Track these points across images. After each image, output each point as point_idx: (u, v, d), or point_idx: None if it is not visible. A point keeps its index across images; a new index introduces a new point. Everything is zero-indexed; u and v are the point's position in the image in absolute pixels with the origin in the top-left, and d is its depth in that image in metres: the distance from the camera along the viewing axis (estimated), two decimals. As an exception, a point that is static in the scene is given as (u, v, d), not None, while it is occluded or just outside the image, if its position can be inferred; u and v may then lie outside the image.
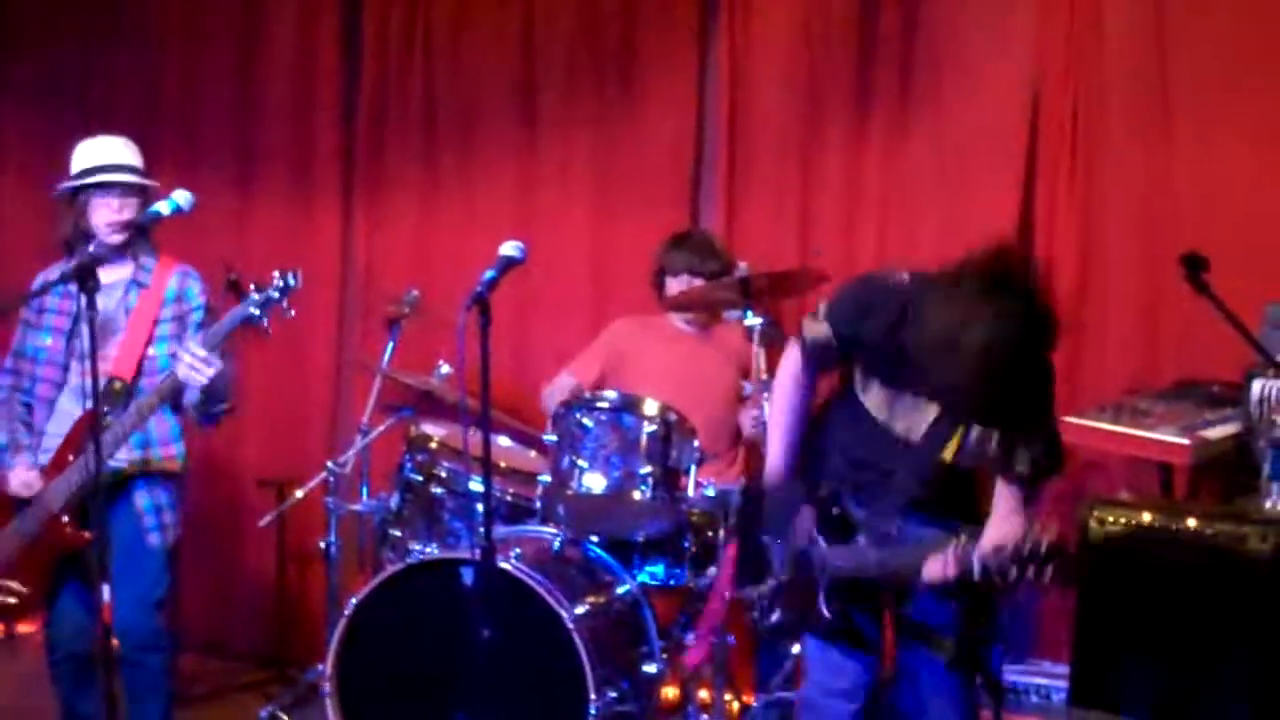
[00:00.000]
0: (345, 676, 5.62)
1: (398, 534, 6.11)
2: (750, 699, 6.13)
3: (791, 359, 4.73)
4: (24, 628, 7.51)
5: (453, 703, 5.29)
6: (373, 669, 5.60)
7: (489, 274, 4.60)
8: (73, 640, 5.54)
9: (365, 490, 6.53)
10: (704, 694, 5.90)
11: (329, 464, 6.44)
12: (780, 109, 6.77)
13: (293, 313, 5.25)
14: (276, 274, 5.25)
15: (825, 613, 4.45)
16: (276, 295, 5.21)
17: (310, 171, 7.73)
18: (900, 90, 6.53)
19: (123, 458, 5.38)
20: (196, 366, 5.18)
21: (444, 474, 6.08)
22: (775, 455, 4.75)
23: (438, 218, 7.51)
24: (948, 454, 4.35)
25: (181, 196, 5.08)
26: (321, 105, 7.71)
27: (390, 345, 6.57)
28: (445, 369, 6.29)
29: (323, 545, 6.46)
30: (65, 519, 5.41)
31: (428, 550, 5.85)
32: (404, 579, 5.58)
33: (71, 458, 5.41)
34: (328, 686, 5.62)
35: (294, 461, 7.33)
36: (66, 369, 5.56)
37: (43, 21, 8.16)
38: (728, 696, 5.87)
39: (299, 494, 6.58)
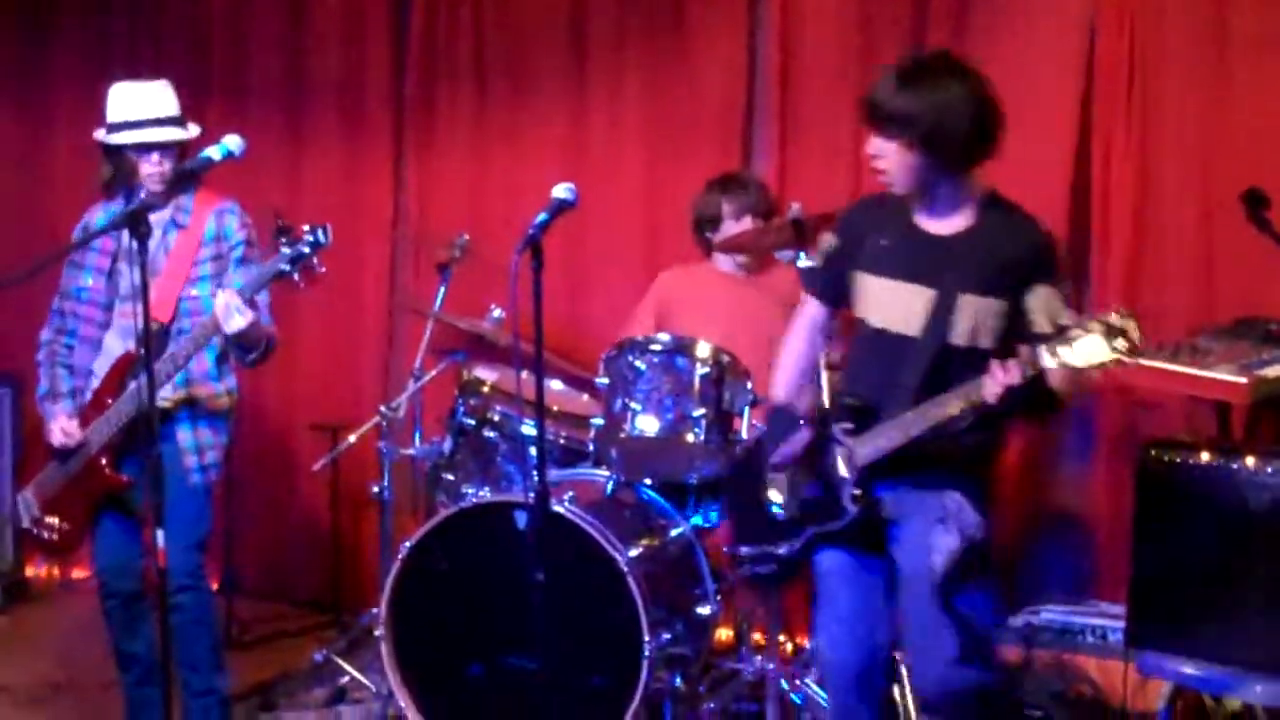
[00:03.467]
0: (399, 620, 5.62)
1: (451, 478, 6.11)
2: (804, 640, 6.12)
3: (803, 306, 4.95)
4: (78, 572, 7.59)
5: (506, 645, 5.31)
6: (426, 612, 5.60)
7: (541, 217, 4.58)
8: (117, 579, 5.56)
9: (418, 435, 6.52)
10: (757, 636, 5.90)
11: (381, 408, 6.43)
12: (833, 52, 6.72)
13: (323, 269, 5.19)
14: (306, 228, 5.16)
15: (849, 507, 4.50)
16: (307, 250, 5.13)
17: (362, 116, 7.73)
18: (955, 31, 6.46)
19: (165, 395, 5.37)
20: (225, 312, 5.17)
21: (496, 418, 6.08)
22: (779, 386, 4.93)
23: (489, 163, 7.49)
24: (953, 335, 4.45)
25: (232, 141, 5.04)
26: (372, 50, 7.70)
27: (442, 289, 6.54)
28: (497, 313, 6.27)
29: (376, 490, 6.45)
30: (104, 460, 5.43)
31: (481, 494, 5.83)
32: (457, 522, 5.57)
33: (109, 400, 5.42)
34: (382, 630, 5.63)
35: (347, 406, 7.36)
36: (109, 309, 5.57)
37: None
38: (781, 638, 5.87)
39: (351, 439, 6.58)
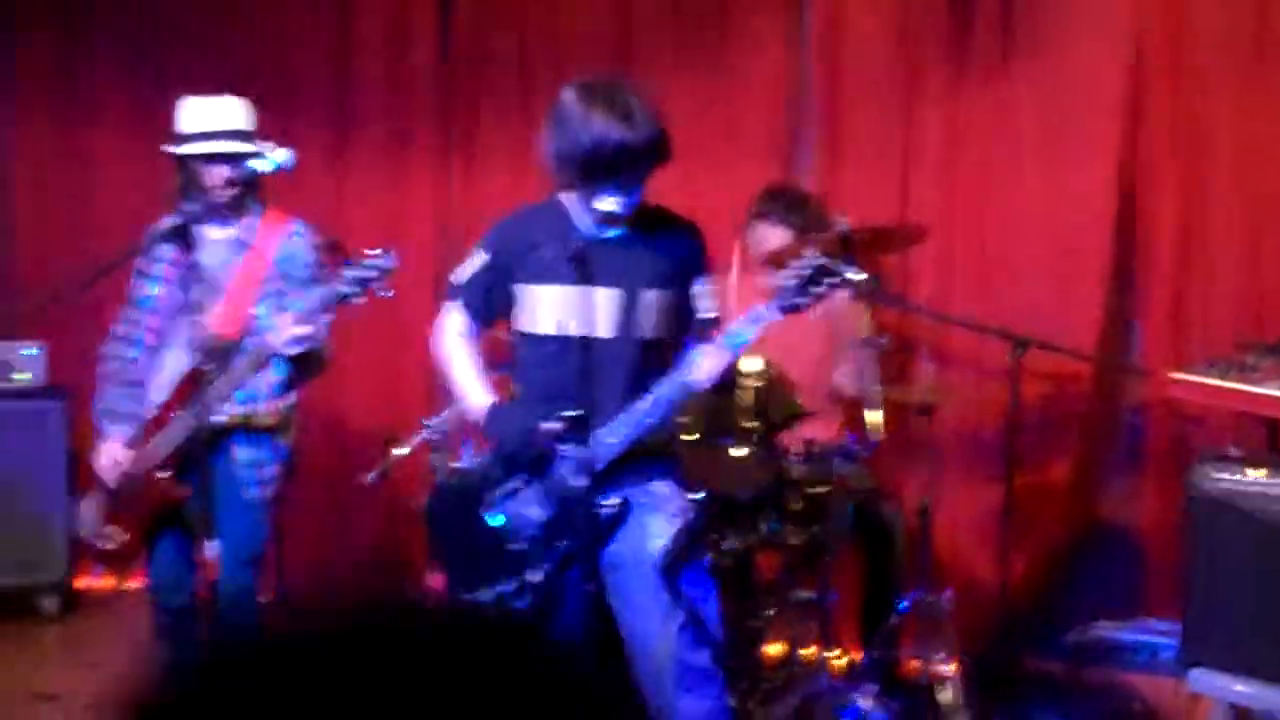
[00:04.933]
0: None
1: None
2: (857, 655, 6.10)
3: (447, 323, 4.99)
4: (133, 583, 7.61)
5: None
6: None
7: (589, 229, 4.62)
8: (170, 593, 5.60)
9: (468, 447, 6.53)
10: (809, 651, 5.89)
11: (425, 422, 6.44)
12: (878, 61, 6.72)
13: (390, 293, 5.19)
14: (371, 253, 5.14)
15: (603, 513, 4.56)
16: (374, 275, 5.13)
17: (408, 128, 7.76)
18: (1001, 39, 6.48)
19: (224, 411, 5.40)
20: (287, 339, 5.19)
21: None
22: (474, 393, 4.92)
23: (533, 175, 7.47)
24: (640, 330, 4.63)
25: (281, 154, 5.07)
26: (418, 62, 7.72)
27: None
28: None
29: (424, 503, 6.46)
30: (166, 473, 5.46)
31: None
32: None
33: (173, 414, 5.45)
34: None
35: (397, 419, 7.37)
36: (173, 319, 5.60)
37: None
38: (833, 653, 5.86)
39: (399, 453, 6.59)
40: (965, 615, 5.90)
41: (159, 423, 5.49)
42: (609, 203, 4.51)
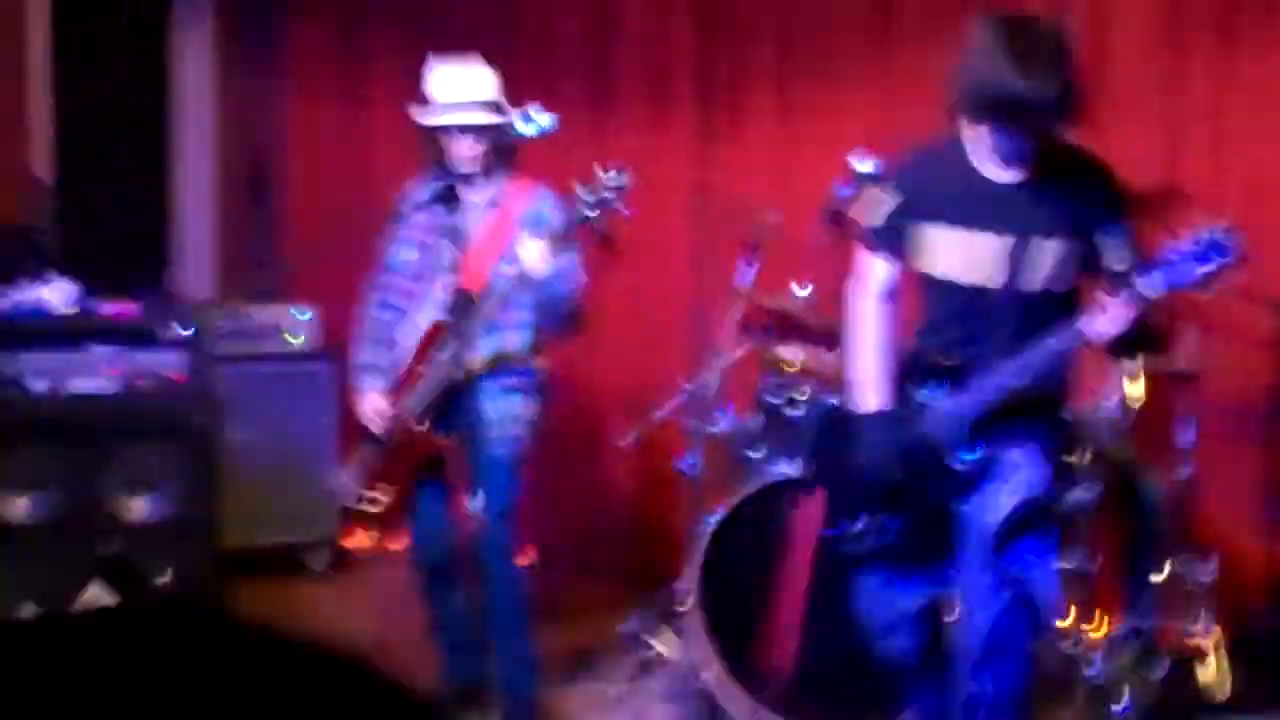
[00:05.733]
0: (707, 594, 5.68)
1: (756, 455, 6.14)
2: (1116, 624, 6.01)
3: (869, 278, 4.76)
4: (393, 545, 7.79)
5: (815, 617, 5.33)
6: (733, 585, 5.66)
7: (844, 190, 4.60)
8: (428, 550, 5.72)
9: (724, 413, 6.55)
10: (1067, 621, 5.81)
11: (686, 385, 6.48)
12: (1146, 20, 6.57)
13: (628, 212, 5.19)
14: (602, 171, 5.17)
15: (960, 467, 4.48)
16: (610, 195, 5.15)
17: (667, 93, 7.78)
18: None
19: (475, 355, 5.49)
20: (537, 255, 5.23)
21: (803, 396, 6.08)
22: (869, 382, 4.75)
23: (796, 140, 7.47)
24: (1035, 280, 4.39)
25: (544, 118, 5.13)
26: (677, 25, 7.74)
27: (749, 267, 6.55)
28: (803, 291, 6.27)
29: (683, 465, 6.50)
30: (423, 427, 5.56)
31: (785, 470, 5.85)
32: (762, 498, 5.62)
33: (422, 369, 5.56)
34: (690, 602, 5.69)
35: (655, 384, 7.40)
36: (424, 281, 5.70)
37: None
38: (1093, 623, 5.78)
39: (658, 415, 6.64)
40: (1229, 587, 5.77)
41: (408, 380, 5.60)
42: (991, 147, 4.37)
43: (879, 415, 4.71)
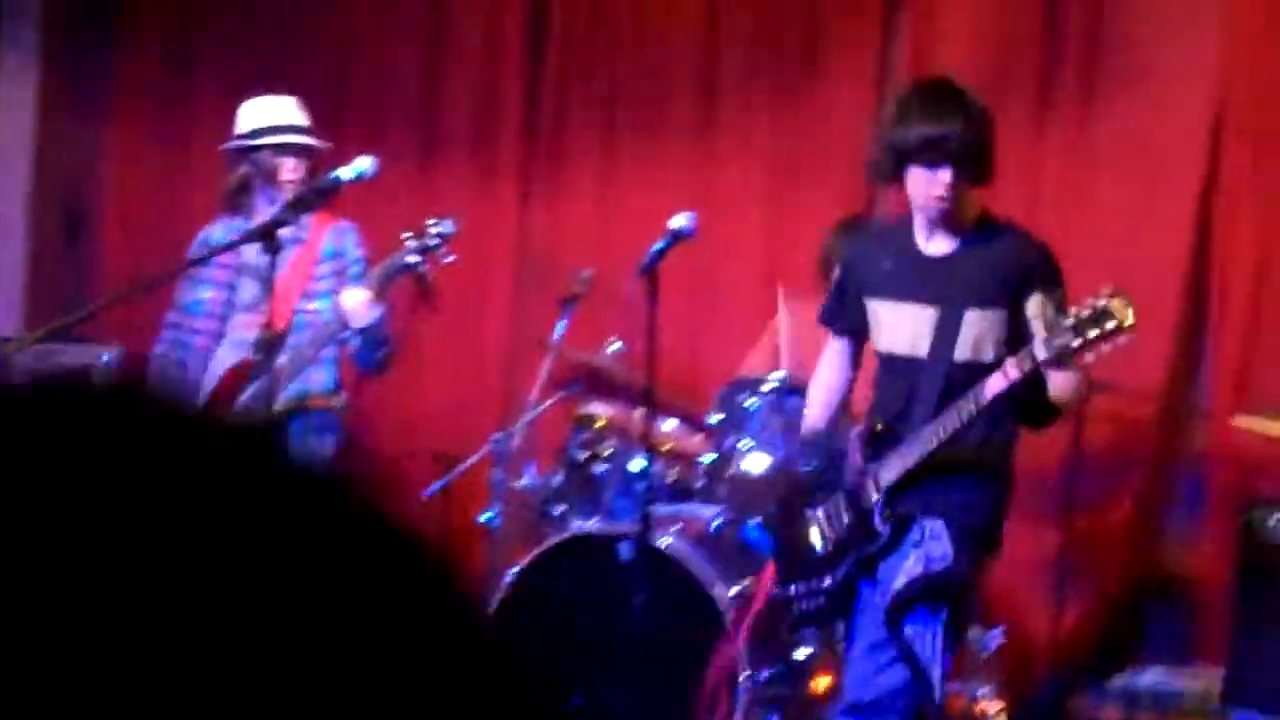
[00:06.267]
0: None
1: (559, 510, 6.15)
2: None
3: (826, 349, 4.99)
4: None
5: (605, 674, 5.33)
6: (527, 641, 5.64)
7: (658, 246, 4.66)
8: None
9: (531, 466, 6.56)
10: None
11: (494, 437, 6.49)
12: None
13: (452, 258, 5.25)
14: (431, 220, 5.26)
15: (882, 529, 4.52)
16: (434, 242, 5.22)
17: (493, 146, 7.78)
18: (1082, 90, 6.49)
19: (279, 400, 5.46)
20: (358, 306, 5.25)
21: (608, 452, 6.11)
22: (812, 417, 4.95)
23: (616, 198, 7.55)
24: (959, 350, 4.48)
25: (365, 163, 5.12)
26: (506, 81, 7.76)
27: (563, 322, 6.59)
28: (615, 346, 6.32)
29: (484, 518, 6.50)
30: None
31: (586, 525, 5.88)
32: (563, 552, 5.63)
33: (224, 407, 5.51)
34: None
35: (462, 435, 7.39)
36: (225, 320, 5.67)
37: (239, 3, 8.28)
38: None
39: (463, 466, 6.63)
40: (1015, 655, 5.87)
41: None
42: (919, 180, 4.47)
43: (809, 439, 4.93)
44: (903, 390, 4.58)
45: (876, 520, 4.54)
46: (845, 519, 4.65)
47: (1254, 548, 4.67)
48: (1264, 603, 4.62)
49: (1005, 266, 4.52)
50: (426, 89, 7.93)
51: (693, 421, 6.27)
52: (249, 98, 5.90)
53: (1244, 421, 5.24)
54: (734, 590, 5.38)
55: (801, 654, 5.63)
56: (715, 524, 5.81)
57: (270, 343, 5.39)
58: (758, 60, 7.23)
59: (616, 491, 6.08)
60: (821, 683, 5.83)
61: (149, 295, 5.97)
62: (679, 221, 4.79)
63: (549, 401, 6.53)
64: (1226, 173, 6.22)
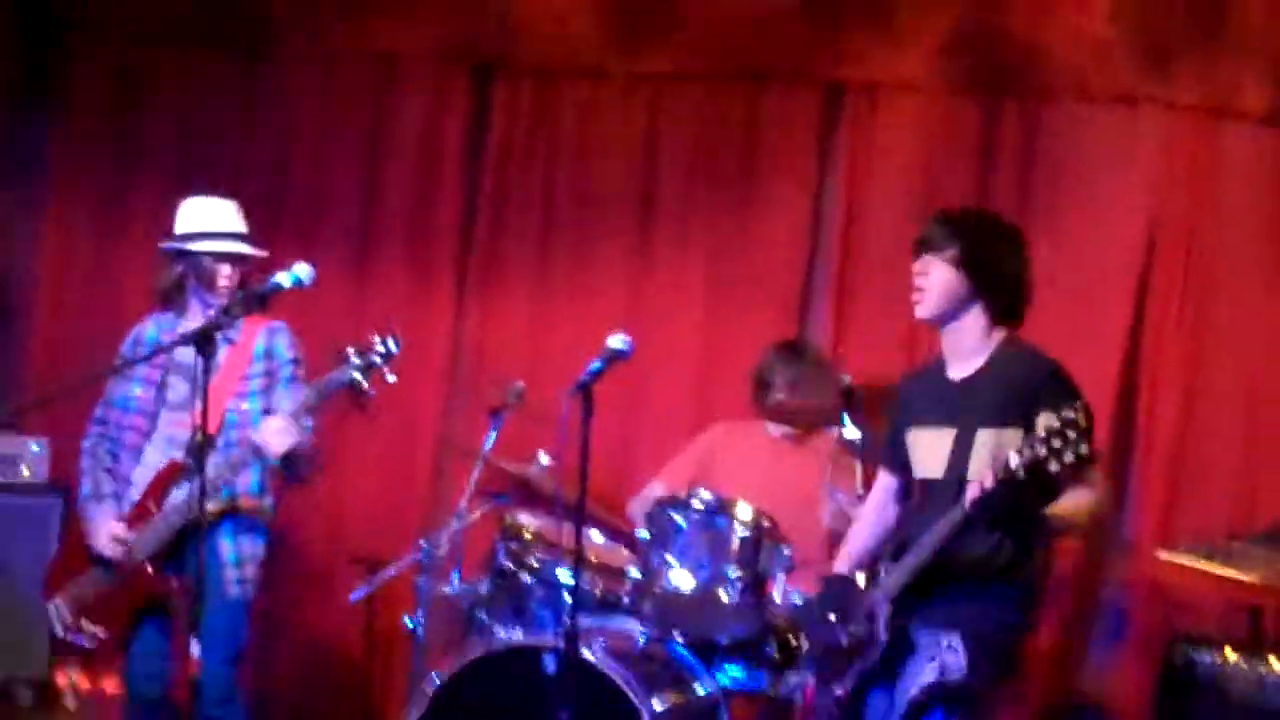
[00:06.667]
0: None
1: (485, 619, 6.14)
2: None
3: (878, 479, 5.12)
4: (109, 687, 7.60)
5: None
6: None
7: (594, 365, 4.71)
8: (145, 685, 5.62)
9: (457, 574, 6.55)
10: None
11: (422, 543, 6.47)
12: (895, 225, 6.83)
13: (394, 378, 5.29)
14: (376, 337, 5.30)
15: (881, 638, 4.58)
16: (378, 360, 5.27)
17: (428, 257, 7.79)
18: (1018, 206, 6.59)
19: (209, 504, 5.44)
20: (276, 435, 5.28)
21: (535, 563, 6.11)
22: (843, 556, 5.10)
23: (550, 313, 7.58)
24: (972, 468, 4.53)
25: (302, 270, 5.12)
26: (441, 193, 7.77)
27: (493, 433, 6.60)
28: (545, 459, 6.35)
29: (410, 624, 6.48)
30: (149, 568, 5.50)
31: (512, 635, 5.86)
32: (487, 663, 5.61)
33: (154, 508, 5.51)
34: (406, 763, 5.65)
35: (391, 540, 7.37)
36: (155, 418, 5.67)
37: (178, 90, 8.28)
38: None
39: (390, 572, 6.61)
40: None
41: (137, 516, 5.54)
42: None
43: (829, 578, 5.00)
44: (925, 509, 4.68)
45: (880, 628, 4.59)
46: (857, 630, 4.70)
47: (1173, 683, 4.71)
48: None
49: (1017, 386, 4.61)
50: (364, 194, 7.94)
51: (621, 536, 6.30)
52: (186, 193, 5.92)
53: (1167, 555, 5.29)
54: (659, 706, 5.37)
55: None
56: (640, 639, 5.82)
57: (201, 445, 5.38)
58: (695, 181, 7.32)
59: (542, 602, 6.09)
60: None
61: (80, 390, 5.94)
62: (616, 342, 4.83)
63: (478, 511, 6.54)
64: (1154, 306, 6.32)
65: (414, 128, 7.86)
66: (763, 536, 5.68)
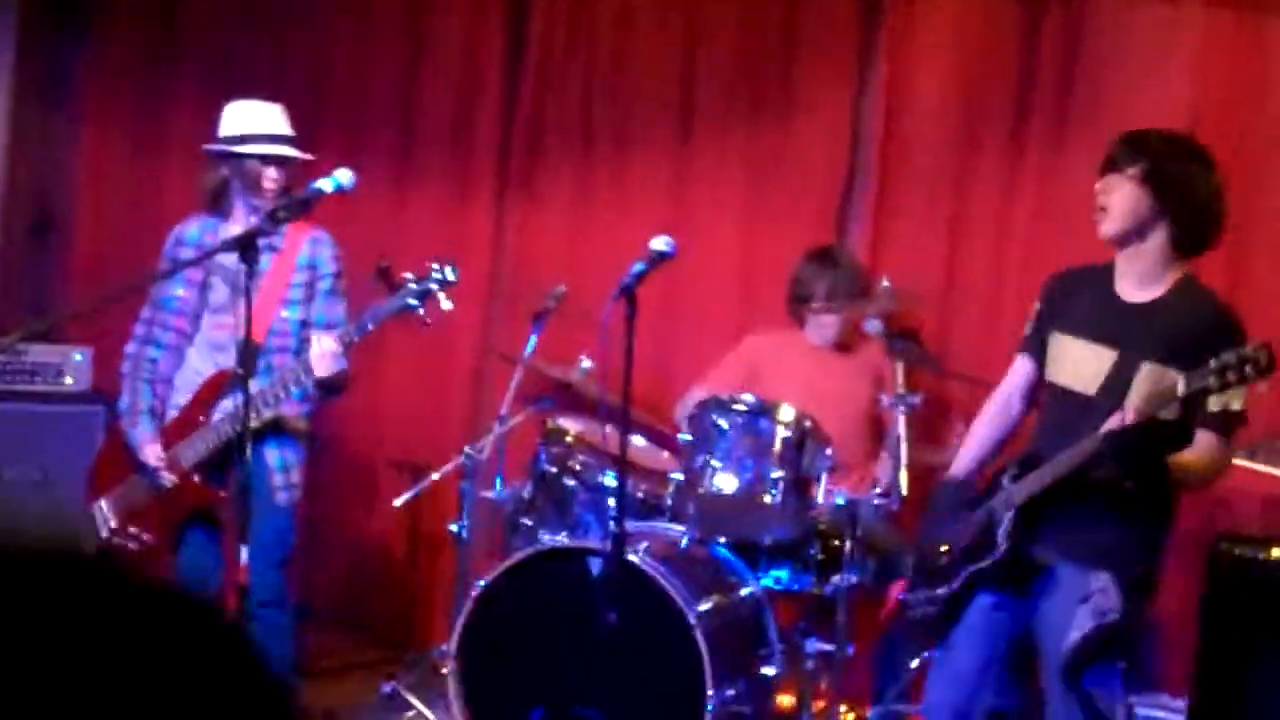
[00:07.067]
0: (468, 658, 5.70)
1: (528, 522, 6.18)
2: (866, 710, 6.14)
3: (1012, 368, 5.04)
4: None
5: (572, 689, 5.36)
6: (495, 653, 5.68)
7: (638, 266, 4.71)
8: (195, 590, 5.66)
9: (500, 478, 6.60)
10: (820, 703, 5.93)
11: (466, 449, 6.51)
12: (935, 130, 6.81)
13: (450, 305, 5.30)
14: (435, 266, 5.28)
15: (1001, 544, 4.56)
16: (435, 288, 5.26)
17: (469, 161, 7.81)
18: (1057, 119, 6.56)
19: (254, 419, 5.47)
20: (324, 359, 5.30)
21: (578, 467, 6.15)
22: (960, 459, 5.04)
23: (589, 217, 7.58)
24: (1131, 403, 4.37)
25: (344, 175, 5.12)
26: (482, 101, 7.78)
27: (534, 337, 6.62)
28: (587, 364, 6.37)
29: (454, 529, 6.52)
30: (197, 477, 5.54)
31: (557, 539, 5.90)
32: (532, 565, 5.65)
33: (201, 418, 5.55)
34: (451, 666, 5.70)
35: (432, 446, 7.41)
36: (197, 319, 5.69)
37: (217, 6, 8.27)
38: (843, 707, 5.90)
39: (434, 477, 6.64)
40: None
41: (184, 423, 5.58)
42: None
43: (945, 482, 5.04)
44: (1067, 425, 4.57)
45: (1000, 534, 4.58)
46: (973, 532, 4.71)
47: (1219, 579, 4.71)
48: (1229, 634, 4.67)
49: (1190, 328, 4.49)
50: (403, 101, 7.95)
51: (662, 440, 6.32)
52: (223, 102, 5.90)
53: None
54: (703, 606, 5.41)
55: (769, 670, 5.69)
56: (683, 542, 5.85)
57: (250, 354, 5.41)
58: (734, 86, 7.28)
59: (585, 506, 6.13)
60: (786, 700, 5.89)
61: (123, 299, 5.96)
62: (660, 244, 4.82)
63: (519, 416, 6.57)
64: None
65: (453, 38, 7.85)
66: (805, 438, 5.69)
